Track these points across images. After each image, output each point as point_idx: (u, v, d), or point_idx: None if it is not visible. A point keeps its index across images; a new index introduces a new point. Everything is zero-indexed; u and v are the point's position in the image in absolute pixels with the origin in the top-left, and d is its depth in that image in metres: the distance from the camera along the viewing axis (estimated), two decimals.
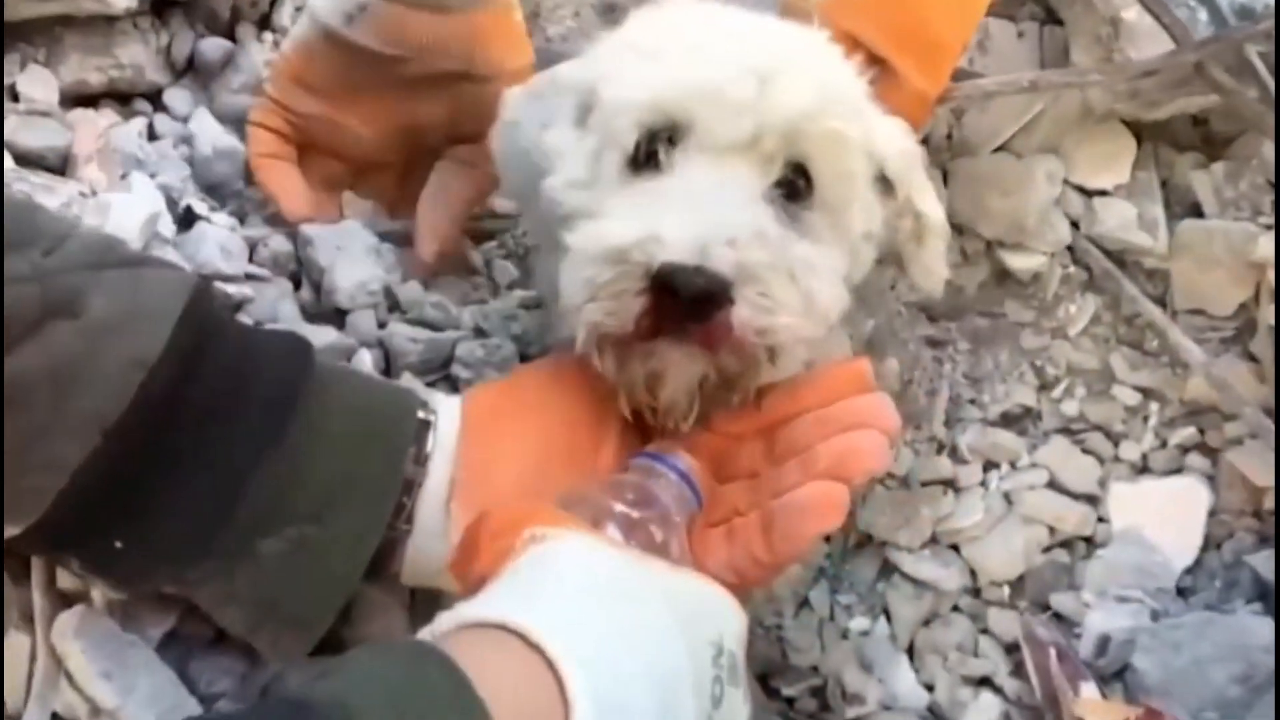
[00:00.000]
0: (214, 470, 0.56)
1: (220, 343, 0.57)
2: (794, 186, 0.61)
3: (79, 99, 0.85)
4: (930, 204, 0.68)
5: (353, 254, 0.79)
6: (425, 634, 0.44)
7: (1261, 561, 0.81)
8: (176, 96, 0.89)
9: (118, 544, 0.55)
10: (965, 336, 0.95)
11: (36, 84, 0.81)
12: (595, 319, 0.57)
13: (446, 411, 0.62)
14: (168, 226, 0.75)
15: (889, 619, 0.87)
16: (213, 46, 0.89)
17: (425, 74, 0.82)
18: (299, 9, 0.91)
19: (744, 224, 0.57)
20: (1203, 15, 0.89)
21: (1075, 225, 0.94)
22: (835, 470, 0.57)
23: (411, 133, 0.86)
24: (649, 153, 0.61)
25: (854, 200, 0.63)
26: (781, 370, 0.59)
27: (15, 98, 0.80)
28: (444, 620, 0.44)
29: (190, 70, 0.90)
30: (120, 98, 0.87)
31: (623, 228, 0.57)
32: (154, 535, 0.56)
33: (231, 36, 0.91)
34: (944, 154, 0.95)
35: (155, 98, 0.89)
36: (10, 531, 0.54)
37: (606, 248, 0.56)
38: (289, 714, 0.39)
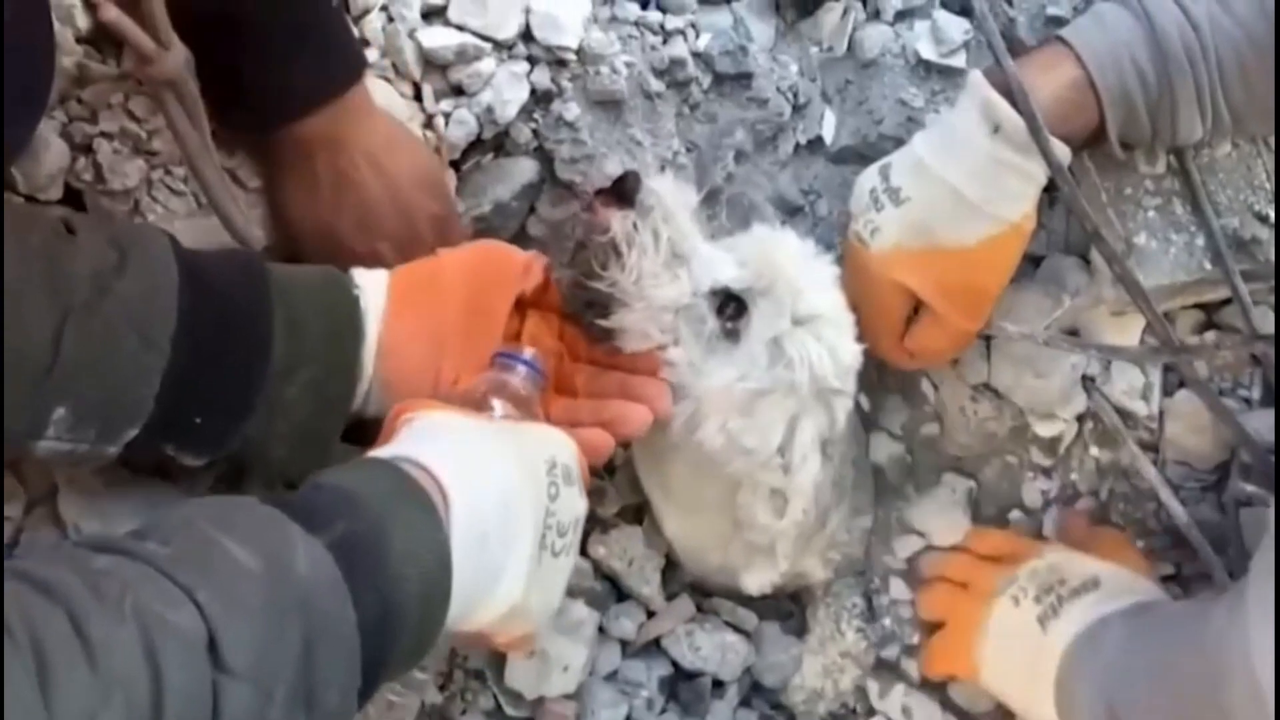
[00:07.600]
0: (244, 356, 0.82)
1: (207, 272, 0.82)
2: None
3: None
4: None
5: None
6: None
7: None
8: None
9: (197, 420, 0.81)
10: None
11: None
12: None
13: (373, 285, 0.88)
14: None
15: None
16: None
17: None
18: None
19: None
20: (1200, 241, 1.08)
21: (1092, 380, 1.15)
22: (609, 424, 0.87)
23: None
24: None
25: None
26: None
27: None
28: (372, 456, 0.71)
29: None
30: None
31: None
32: (218, 405, 0.81)
33: None
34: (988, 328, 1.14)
35: None
36: (130, 435, 0.78)
37: None
38: (307, 493, 0.65)
